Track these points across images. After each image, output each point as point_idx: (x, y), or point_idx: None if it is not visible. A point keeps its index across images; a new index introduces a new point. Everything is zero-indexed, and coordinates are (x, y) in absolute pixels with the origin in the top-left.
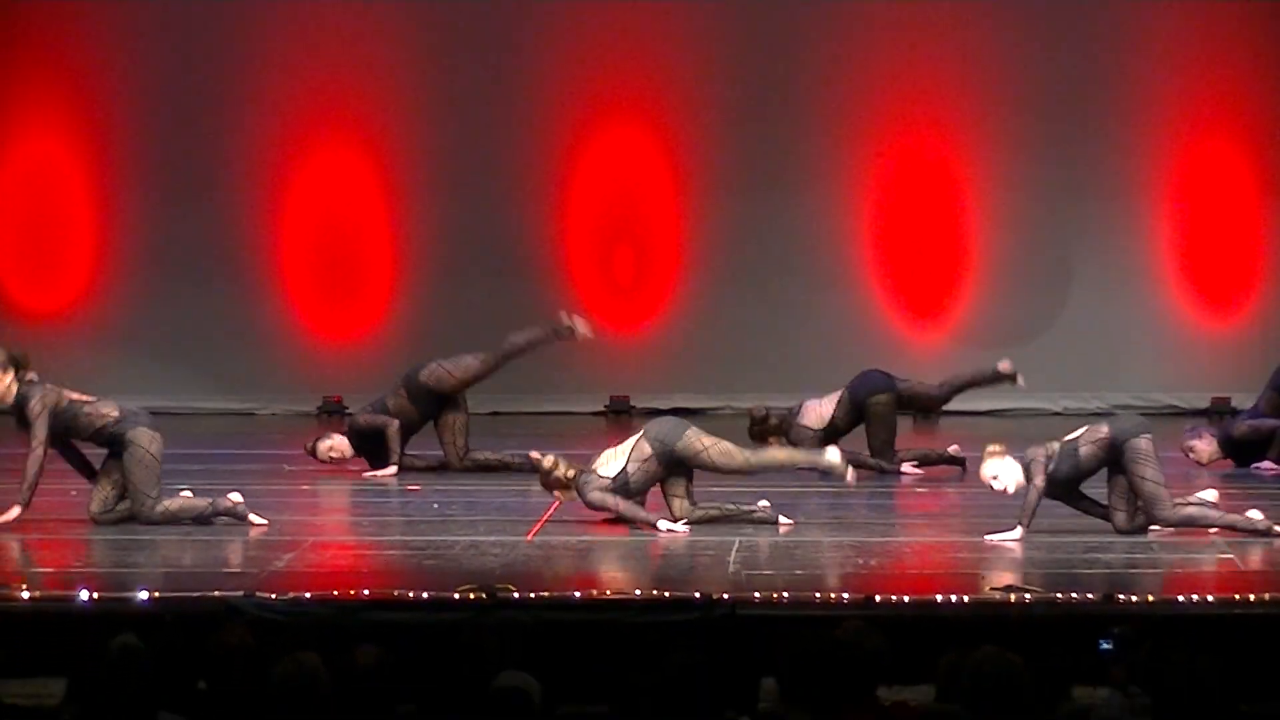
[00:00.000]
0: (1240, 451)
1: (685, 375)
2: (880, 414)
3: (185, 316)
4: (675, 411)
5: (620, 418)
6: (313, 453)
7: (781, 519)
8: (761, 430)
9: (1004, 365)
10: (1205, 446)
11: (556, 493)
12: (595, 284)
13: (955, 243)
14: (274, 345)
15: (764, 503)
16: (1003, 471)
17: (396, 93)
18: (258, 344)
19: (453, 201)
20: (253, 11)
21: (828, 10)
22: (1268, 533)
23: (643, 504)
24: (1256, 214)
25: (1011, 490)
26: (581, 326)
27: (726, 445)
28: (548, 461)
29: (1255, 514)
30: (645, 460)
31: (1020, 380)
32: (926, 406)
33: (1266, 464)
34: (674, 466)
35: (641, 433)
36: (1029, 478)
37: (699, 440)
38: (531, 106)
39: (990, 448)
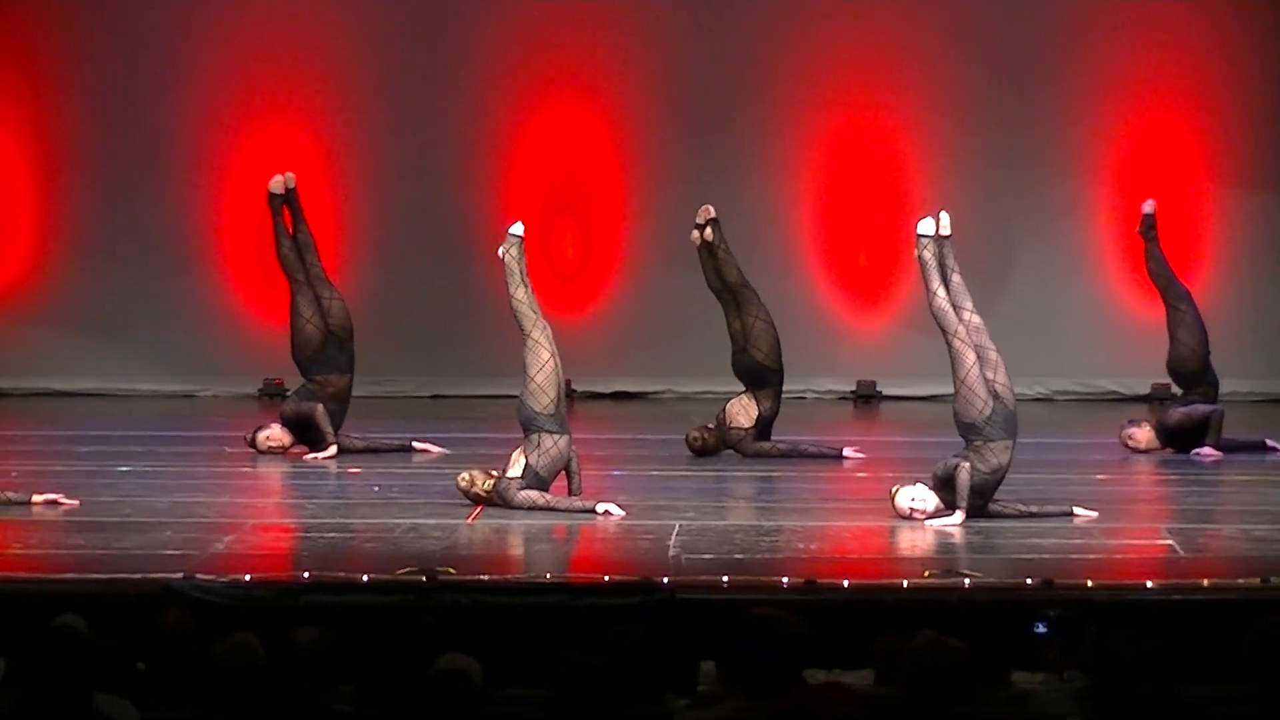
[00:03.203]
0: (1178, 438)
1: (627, 360)
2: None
3: (126, 298)
4: (616, 396)
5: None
6: (253, 444)
7: (611, 509)
8: (702, 449)
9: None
10: (1143, 434)
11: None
12: (537, 267)
13: (898, 228)
14: (215, 327)
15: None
16: (918, 493)
17: (338, 74)
18: (198, 326)
19: (395, 184)
20: None
21: None
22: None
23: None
24: (1200, 199)
25: (930, 509)
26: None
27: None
28: (462, 482)
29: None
30: (533, 445)
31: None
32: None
33: (1206, 450)
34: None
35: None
36: (950, 471)
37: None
38: (474, 88)
39: (891, 489)
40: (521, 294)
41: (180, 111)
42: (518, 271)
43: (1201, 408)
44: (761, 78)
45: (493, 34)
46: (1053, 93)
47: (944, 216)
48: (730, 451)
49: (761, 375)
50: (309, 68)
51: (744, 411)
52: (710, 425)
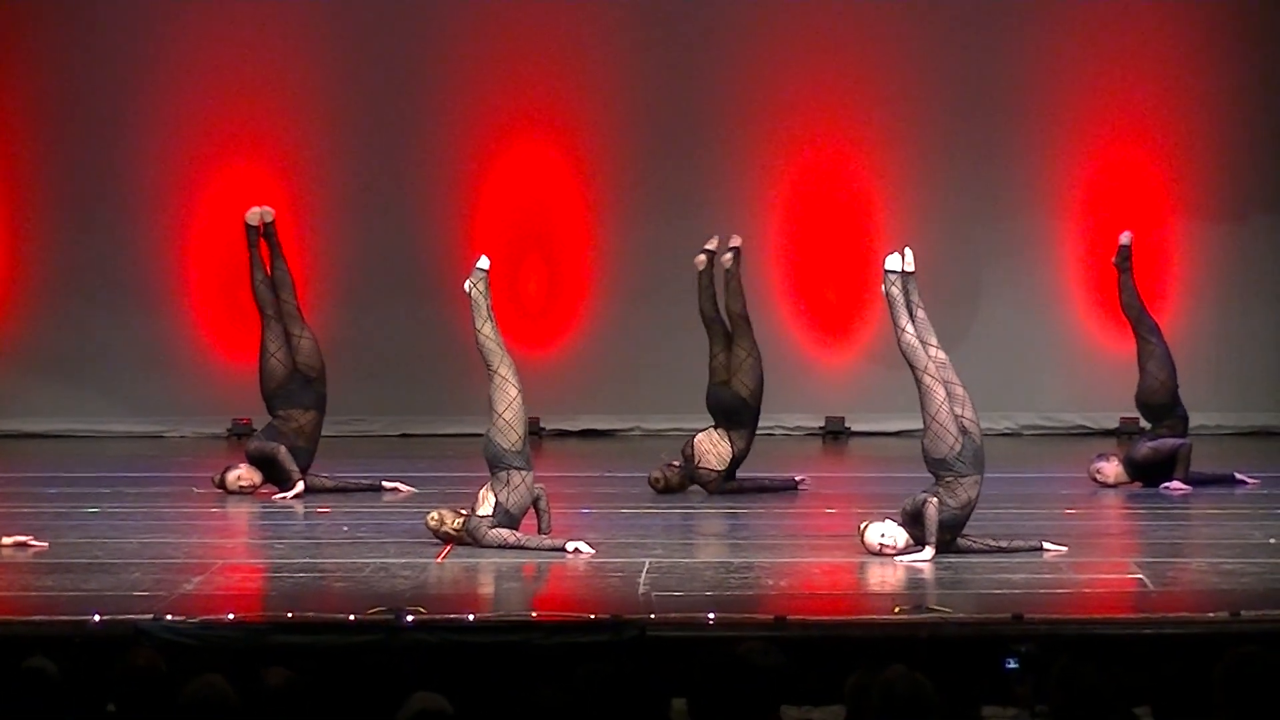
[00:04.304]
0: (1146, 472)
1: (595, 397)
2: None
3: (93, 339)
4: (585, 433)
5: (530, 439)
6: (222, 485)
7: (581, 547)
8: (665, 488)
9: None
10: (1112, 469)
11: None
12: (504, 304)
13: (866, 263)
14: (182, 367)
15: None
16: (887, 530)
17: (304, 112)
18: (166, 366)
19: (361, 221)
20: (158, 32)
21: (741, 31)
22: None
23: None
24: (1166, 231)
25: (900, 544)
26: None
27: (499, 422)
28: (431, 521)
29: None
30: (502, 483)
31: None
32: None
33: (1175, 484)
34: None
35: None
36: (918, 507)
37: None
38: (441, 125)
39: (860, 526)
40: (488, 329)
41: (146, 151)
42: (484, 306)
43: (1169, 442)
44: (728, 114)
45: (459, 72)
46: (1018, 127)
47: (908, 252)
48: (696, 487)
49: (739, 412)
50: (275, 106)
51: (714, 451)
52: (676, 463)
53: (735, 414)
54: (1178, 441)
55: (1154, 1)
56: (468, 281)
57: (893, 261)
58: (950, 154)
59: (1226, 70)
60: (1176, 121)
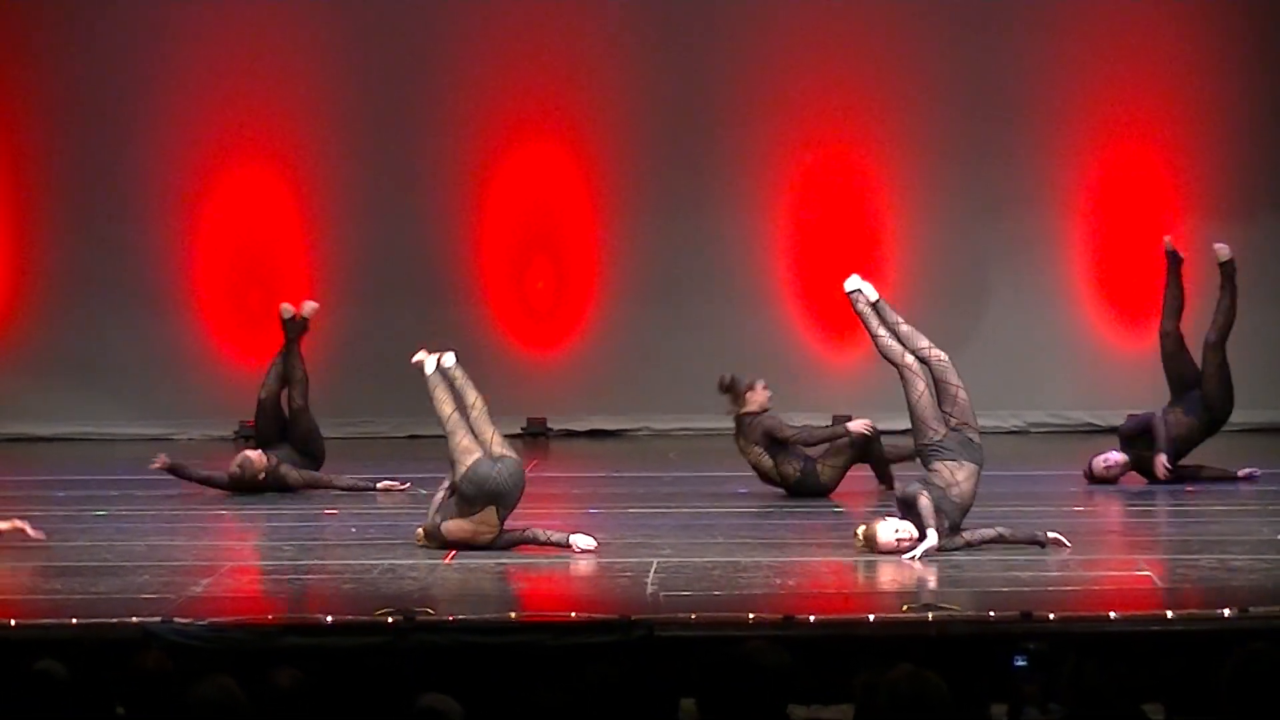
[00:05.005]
0: (1133, 445)
1: (603, 397)
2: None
3: (101, 342)
4: (592, 434)
5: (538, 440)
6: (247, 473)
7: (582, 540)
8: (726, 390)
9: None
10: (1117, 455)
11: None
12: (512, 305)
13: (871, 262)
14: (191, 369)
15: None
16: (900, 525)
17: (311, 114)
18: (175, 368)
19: (368, 223)
20: (165, 33)
21: (746, 31)
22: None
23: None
24: (1173, 229)
25: (916, 535)
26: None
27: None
28: (419, 541)
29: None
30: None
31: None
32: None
33: (1159, 457)
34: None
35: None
36: (910, 496)
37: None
38: (447, 127)
39: (857, 530)
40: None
41: (153, 153)
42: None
43: (1147, 414)
44: (733, 115)
45: (466, 73)
46: (1024, 125)
47: (868, 286)
48: (708, 490)
49: (815, 494)
50: (283, 109)
51: (761, 466)
52: (758, 388)
53: (812, 494)
54: (1150, 412)
55: (1161, 1)
56: (455, 368)
57: (850, 282)
58: (957, 153)
59: (1234, 69)
60: (1184, 120)
